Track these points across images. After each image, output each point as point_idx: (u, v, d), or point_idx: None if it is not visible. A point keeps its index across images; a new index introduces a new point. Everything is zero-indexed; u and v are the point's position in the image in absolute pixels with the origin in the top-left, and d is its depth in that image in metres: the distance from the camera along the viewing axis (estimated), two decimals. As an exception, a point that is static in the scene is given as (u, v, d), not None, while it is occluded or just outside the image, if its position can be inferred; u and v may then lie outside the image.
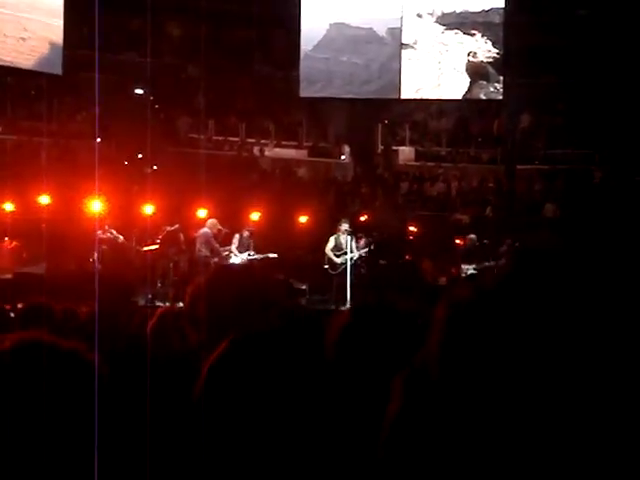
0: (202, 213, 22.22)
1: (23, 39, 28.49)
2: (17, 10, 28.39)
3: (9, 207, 22.78)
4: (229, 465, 2.48)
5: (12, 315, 9.17)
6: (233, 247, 21.73)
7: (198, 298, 4.49)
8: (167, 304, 15.89)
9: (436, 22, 31.14)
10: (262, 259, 21.63)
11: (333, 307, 19.50)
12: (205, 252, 21.37)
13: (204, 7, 27.89)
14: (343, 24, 31.29)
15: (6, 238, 22.60)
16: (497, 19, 30.80)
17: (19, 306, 10.56)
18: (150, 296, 19.08)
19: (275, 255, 21.94)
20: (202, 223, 22.12)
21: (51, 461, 2.36)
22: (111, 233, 21.46)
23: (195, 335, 4.48)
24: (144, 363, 4.10)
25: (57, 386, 2.36)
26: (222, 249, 21.83)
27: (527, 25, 30.68)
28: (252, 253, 21.83)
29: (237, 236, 21.89)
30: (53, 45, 28.75)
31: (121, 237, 21.74)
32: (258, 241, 22.27)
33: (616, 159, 31.11)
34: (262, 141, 32.22)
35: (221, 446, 2.49)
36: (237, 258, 21.44)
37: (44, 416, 2.30)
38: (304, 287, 20.82)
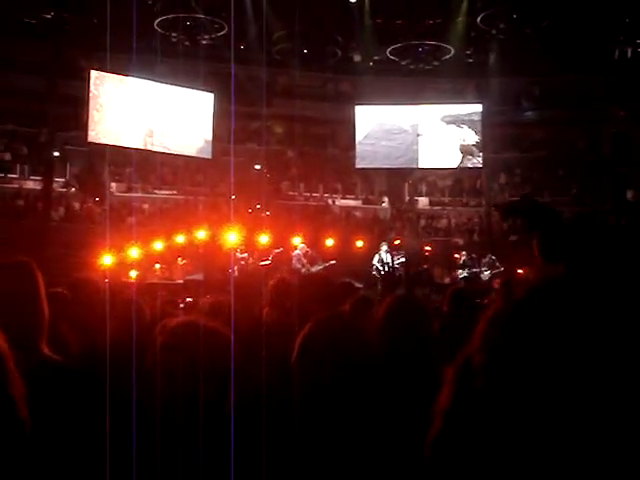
0: (296, 240, 22.19)
1: (188, 137, 28.82)
2: (189, 122, 28.79)
3: (181, 239, 22.98)
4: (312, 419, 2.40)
5: (181, 306, 9.21)
6: (298, 264, 21.58)
7: (277, 292, 4.46)
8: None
9: (440, 120, 31.06)
10: (329, 265, 21.61)
11: (379, 298, 19.36)
12: (298, 266, 21.40)
13: (295, 114, 27.99)
14: (382, 122, 31.27)
15: (179, 258, 22.78)
16: (477, 118, 30.73)
17: (188, 300, 10.66)
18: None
19: (334, 261, 21.88)
20: (296, 247, 22.12)
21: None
22: (243, 254, 21.60)
23: (275, 314, 4.46)
24: (261, 333, 4.09)
25: (207, 350, 2.36)
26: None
27: (495, 122, 30.62)
28: (320, 263, 21.81)
29: (297, 254, 21.80)
30: (206, 140, 29.04)
31: (248, 256, 21.87)
32: (330, 257, 22.25)
33: (553, 203, 31.02)
34: (333, 195, 32.21)
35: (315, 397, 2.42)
36: (314, 268, 21.42)
37: (196, 367, 2.29)
38: (360, 285, 20.70)
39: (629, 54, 31.56)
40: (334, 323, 2.68)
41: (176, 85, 28.65)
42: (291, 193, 31.35)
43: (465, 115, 31.00)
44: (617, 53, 31.51)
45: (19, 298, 2.76)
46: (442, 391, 0.88)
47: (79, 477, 2.38)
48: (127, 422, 2.32)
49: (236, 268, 20.75)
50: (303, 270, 21.12)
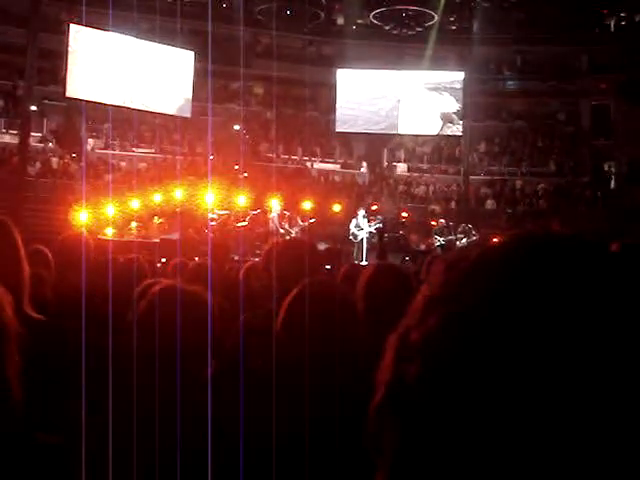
0: (273, 203, 22.09)
1: (168, 95, 28.64)
2: (168, 79, 28.57)
3: (158, 198, 22.89)
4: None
5: (158, 265, 9.11)
6: (283, 225, 21.57)
7: (270, 256, 4.44)
8: (252, 259, 15.67)
9: (422, 87, 31.04)
10: (309, 224, 21.63)
11: (356, 262, 19.49)
12: (275, 228, 21.36)
13: (276, 76, 27.80)
14: (363, 87, 31.29)
15: (155, 217, 22.68)
16: (458, 86, 30.72)
17: (163, 260, 10.59)
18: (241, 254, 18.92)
19: (314, 219, 21.98)
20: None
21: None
22: (217, 214, 21.51)
23: (267, 279, 4.43)
24: (237, 294, 4.09)
25: (188, 316, 2.34)
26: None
27: (476, 90, 30.60)
28: (301, 223, 21.78)
29: (274, 216, 21.73)
30: (186, 99, 28.90)
31: (226, 212, 21.83)
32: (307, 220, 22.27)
33: (530, 174, 31.30)
34: (312, 159, 32.12)
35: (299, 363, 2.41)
36: (294, 229, 21.45)
37: (177, 334, 2.28)
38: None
39: (612, 27, 31.62)
40: (325, 288, 2.67)
41: (157, 42, 28.37)
42: (269, 155, 31.24)
43: (447, 82, 30.98)
44: (600, 25, 31.57)
45: (-2, 258, 2.72)
46: (384, 360, 0.85)
47: (57, 435, 2.37)
48: (104, 385, 2.31)
49: (211, 228, 20.71)
50: (281, 232, 21.14)
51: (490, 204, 30.05)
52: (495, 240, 23.64)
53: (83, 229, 17.44)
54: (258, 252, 17.25)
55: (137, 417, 2.24)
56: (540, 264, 0.77)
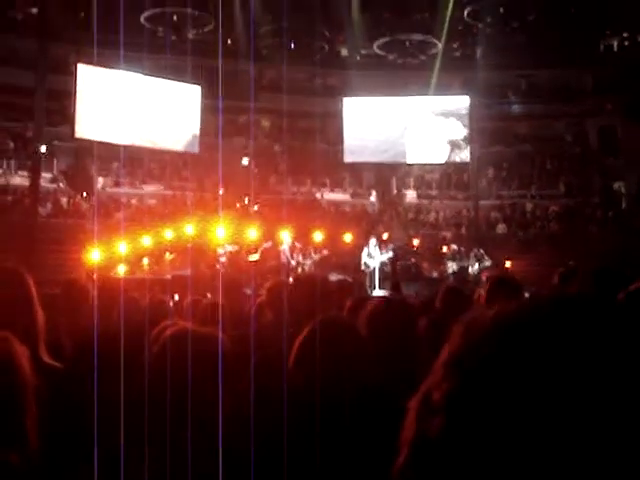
0: (283, 235, 22.09)
1: (176, 131, 28.84)
2: (175, 116, 28.78)
3: (169, 234, 22.93)
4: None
5: (171, 304, 8.98)
6: (295, 257, 21.56)
7: (273, 291, 4.44)
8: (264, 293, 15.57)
9: (427, 113, 31.11)
10: (323, 257, 21.59)
11: (368, 292, 19.47)
12: (286, 260, 21.36)
13: (285, 108, 27.93)
14: (370, 116, 31.38)
15: (167, 253, 22.72)
16: (464, 111, 30.78)
17: (176, 297, 10.58)
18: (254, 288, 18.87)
19: (326, 251, 21.92)
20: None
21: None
22: (226, 250, 21.54)
23: (271, 314, 4.43)
24: (248, 332, 4.09)
25: (198, 358, 2.35)
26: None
27: (482, 115, 30.68)
28: (314, 255, 21.73)
29: (284, 249, 21.69)
30: (194, 136, 29.13)
31: (236, 247, 21.85)
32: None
33: (540, 196, 31.26)
34: (321, 189, 32.19)
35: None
36: (308, 261, 21.44)
37: (189, 373, 2.28)
38: (350, 280, 20.54)
39: (615, 47, 31.72)
40: (337, 327, 2.66)
41: (163, 78, 28.65)
42: (279, 187, 31.30)
43: (453, 108, 31.06)
44: (603, 46, 31.68)
45: (12, 307, 2.74)
46: (407, 420, 0.86)
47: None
48: (119, 435, 2.31)
49: (222, 263, 20.74)
50: (293, 264, 21.13)
51: (501, 228, 30.00)
52: (507, 267, 23.51)
53: (89, 270, 17.52)
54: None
55: (149, 468, 2.24)
56: (554, 325, 0.79)
